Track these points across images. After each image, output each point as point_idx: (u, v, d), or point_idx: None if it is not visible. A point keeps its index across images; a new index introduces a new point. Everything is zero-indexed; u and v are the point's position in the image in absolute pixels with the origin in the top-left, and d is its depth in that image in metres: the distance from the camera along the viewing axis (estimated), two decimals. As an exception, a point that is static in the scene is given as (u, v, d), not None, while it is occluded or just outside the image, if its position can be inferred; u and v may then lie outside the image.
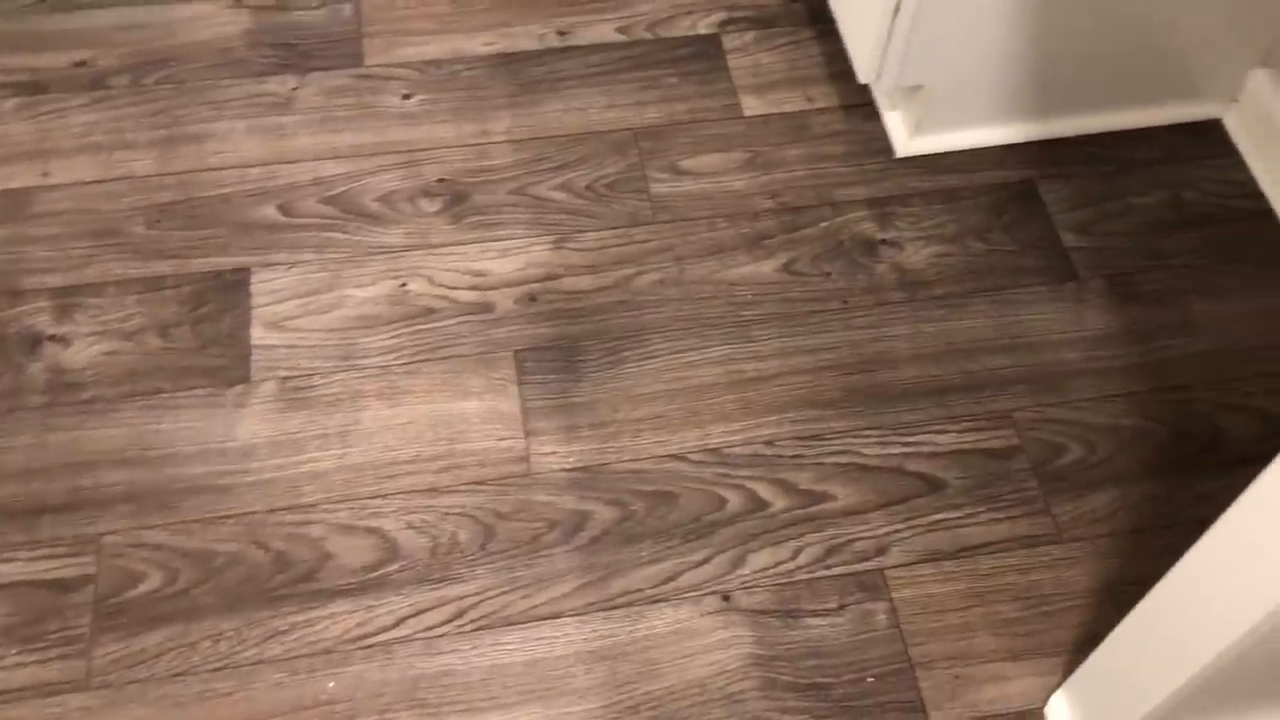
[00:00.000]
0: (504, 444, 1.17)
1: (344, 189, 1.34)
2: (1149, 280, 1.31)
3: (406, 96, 1.43)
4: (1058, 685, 1.05)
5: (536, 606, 1.08)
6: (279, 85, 1.43)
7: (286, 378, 1.20)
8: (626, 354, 1.23)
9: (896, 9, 1.25)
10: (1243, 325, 1.28)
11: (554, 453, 1.17)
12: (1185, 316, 1.28)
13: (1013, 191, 1.37)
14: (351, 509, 1.13)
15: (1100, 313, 1.28)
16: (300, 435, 1.17)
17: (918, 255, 1.32)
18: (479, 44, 1.48)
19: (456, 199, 1.34)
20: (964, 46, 1.29)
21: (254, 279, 1.27)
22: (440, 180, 1.35)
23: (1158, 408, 1.22)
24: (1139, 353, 1.25)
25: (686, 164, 1.39)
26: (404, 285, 1.27)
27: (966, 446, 1.18)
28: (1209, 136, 1.43)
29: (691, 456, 1.17)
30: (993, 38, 1.28)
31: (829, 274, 1.30)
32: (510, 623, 1.07)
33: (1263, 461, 1.18)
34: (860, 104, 1.45)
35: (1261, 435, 1.20)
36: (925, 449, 1.18)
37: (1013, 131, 1.40)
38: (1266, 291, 1.30)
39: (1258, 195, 1.38)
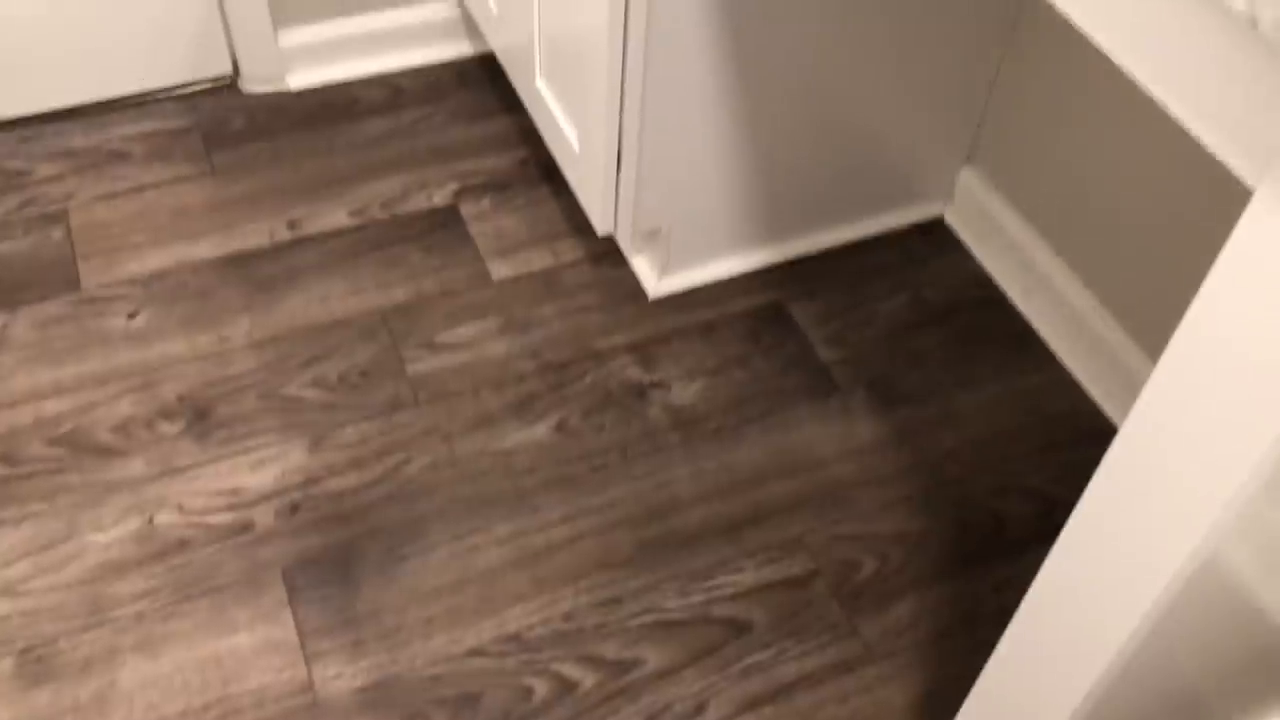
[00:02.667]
0: (284, 675, 1.07)
1: (72, 425, 1.24)
2: (907, 381, 1.35)
3: (132, 315, 1.34)
4: (898, 812, 1.03)
5: None
6: (-14, 324, 1.32)
7: (26, 649, 1.07)
8: (405, 550, 1.16)
9: (619, 162, 1.26)
10: (1001, 409, 1.33)
11: (340, 674, 1.08)
12: (947, 410, 1.32)
13: (765, 316, 1.40)
14: (118, 785, 1.00)
15: (867, 421, 1.30)
16: (49, 713, 1.04)
17: (686, 392, 1.32)
18: (205, 249, 1.42)
19: (199, 415, 1.25)
20: (691, 187, 1.31)
21: (-23, 543, 1.14)
22: (179, 398, 1.27)
23: (938, 505, 1.24)
24: (911, 454, 1.28)
25: (442, 338, 1.35)
26: (150, 520, 1.17)
27: (766, 580, 1.17)
28: (936, 234, 1.50)
29: (490, 648, 1.10)
30: (716, 174, 1.31)
31: (602, 427, 1.28)
32: None
33: (1046, 540, 1.21)
34: (607, 252, 1.45)
35: (1039, 513, 1.24)
36: (727, 590, 1.16)
37: (756, 258, 1.44)
38: (1015, 373, 1.36)
39: (989, 284, 1.45)
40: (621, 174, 1.28)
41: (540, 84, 1.38)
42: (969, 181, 1.46)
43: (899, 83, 1.32)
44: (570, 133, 1.33)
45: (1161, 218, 1.20)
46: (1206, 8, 0.51)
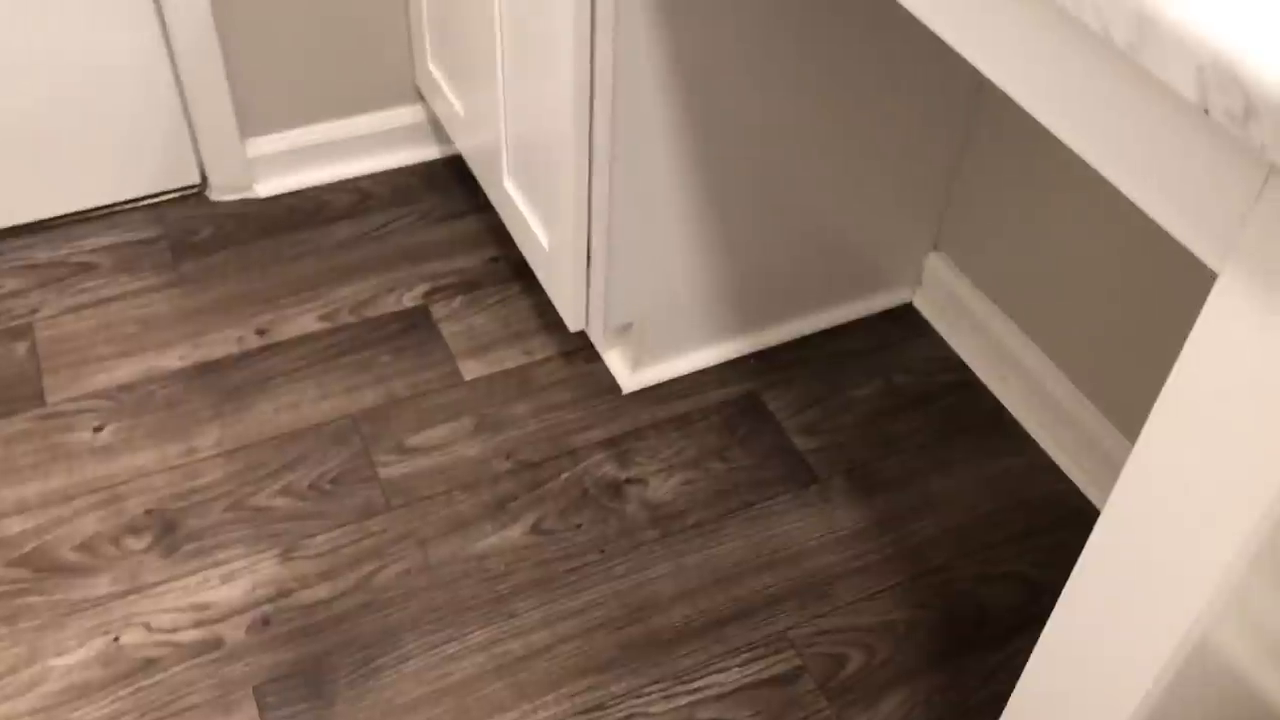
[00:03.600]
0: (255, 799, 1.03)
1: (35, 545, 1.21)
2: (885, 468, 1.34)
3: (98, 429, 1.32)
4: None
5: None
6: (-52, 443, 1.29)
7: (-16, 782, 1.03)
8: (379, 662, 1.13)
9: (588, 259, 1.27)
10: (979, 493, 1.32)
11: (314, 795, 1.04)
12: (926, 496, 1.31)
13: (740, 406, 1.39)
14: None
15: (847, 510, 1.29)
16: None
17: (664, 487, 1.30)
18: (173, 359, 1.40)
19: (167, 529, 1.23)
20: (661, 281, 1.32)
21: (-66, 671, 1.10)
22: (147, 512, 1.24)
23: (923, 594, 1.22)
24: (892, 542, 1.26)
25: (414, 441, 1.34)
26: (116, 639, 1.13)
27: (751, 679, 1.14)
28: (906, 320, 1.51)
29: (469, 761, 1.07)
30: (686, 268, 1.32)
31: (579, 525, 1.26)
32: None
33: (1033, 626, 1.19)
34: (580, 348, 1.45)
35: (1024, 600, 1.22)
36: (711, 691, 1.13)
37: (728, 348, 1.44)
38: (993, 457, 1.35)
39: (960, 367, 1.45)
40: (591, 271, 1.28)
41: (508, 185, 1.39)
42: (936, 266, 1.47)
43: (862, 172, 1.34)
44: (539, 232, 1.34)
45: (1129, 297, 1.21)
46: (1159, 96, 0.51)
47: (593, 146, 1.16)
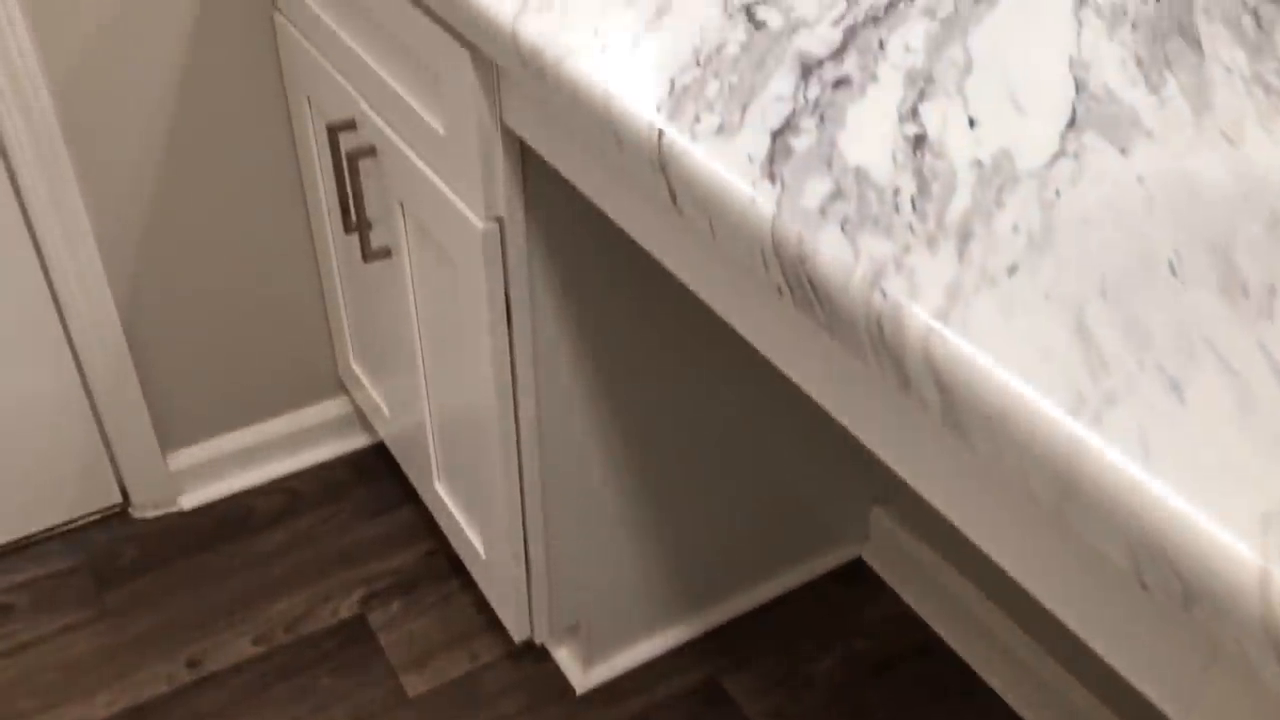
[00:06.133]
0: None
1: None
2: (857, 750, 1.28)
3: (17, 803, 1.23)
4: None
5: None
6: None
7: None
8: None
9: (528, 565, 1.23)
10: (957, 765, 1.26)
11: None
12: (903, 777, 1.25)
13: (701, 696, 1.34)
14: None
15: (825, 803, 1.23)
16: None
17: (629, 798, 1.23)
18: (100, 706, 1.32)
19: None
20: (605, 577, 1.28)
21: None
22: None
23: None
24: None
25: (361, 773, 1.26)
26: None
27: None
28: (858, 577, 1.48)
29: None
30: (629, 560, 1.28)
31: None
32: None
33: None
34: (528, 646, 1.39)
35: None
36: None
37: (681, 631, 1.39)
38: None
39: (920, 624, 1.42)
40: (532, 577, 1.24)
41: (440, 488, 1.36)
42: (880, 520, 1.46)
43: (795, 430, 1.33)
44: (475, 539, 1.30)
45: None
46: (1100, 561, 0.50)
47: (520, 440, 1.13)
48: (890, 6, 0.80)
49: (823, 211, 0.57)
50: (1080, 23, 0.78)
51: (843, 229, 0.56)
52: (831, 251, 0.55)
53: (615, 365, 1.13)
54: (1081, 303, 0.51)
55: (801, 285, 0.56)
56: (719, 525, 1.35)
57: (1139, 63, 0.72)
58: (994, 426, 0.48)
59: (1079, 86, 0.69)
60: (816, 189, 0.59)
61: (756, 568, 1.42)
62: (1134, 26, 0.77)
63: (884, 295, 0.52)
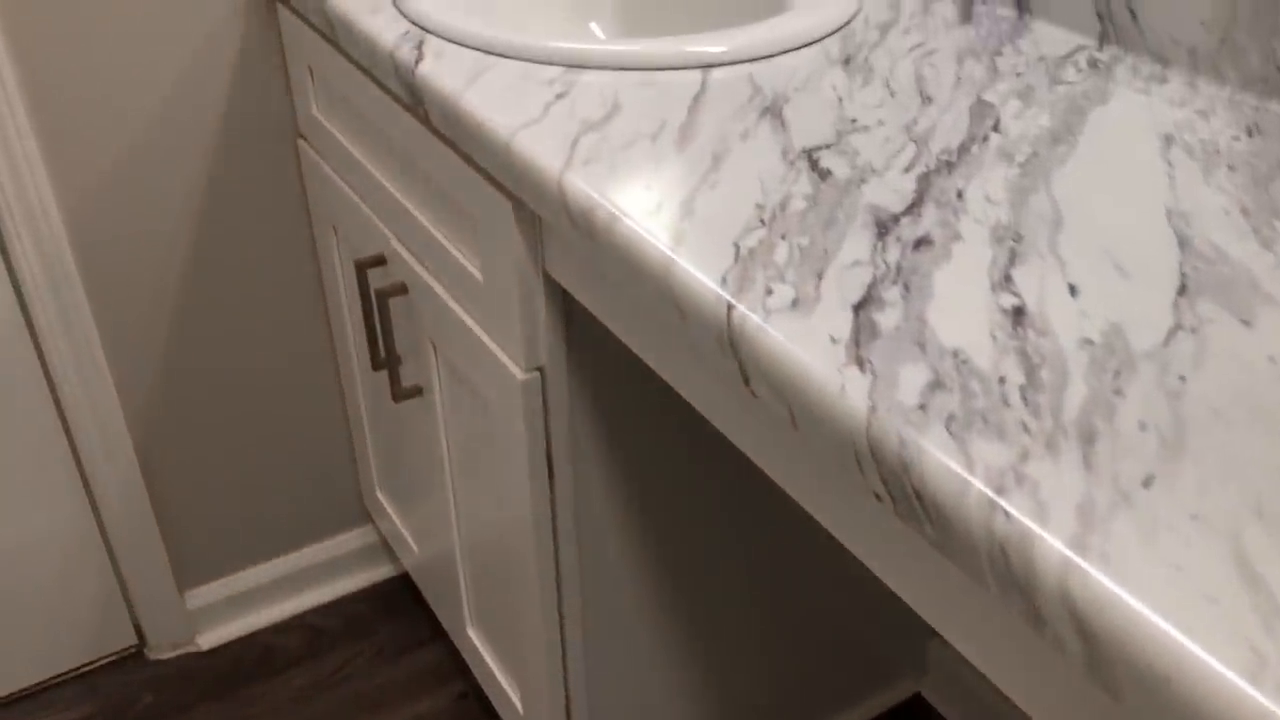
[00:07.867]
0: None
1: None
2: None
3: None
4: None
5: None
6: None
7: None
8: None
9: (567, 707, 1.15)
10: None
11: None
12: None
13: None
14: None
15: None
16: None
17: None
18: None
19: None
20: (651, 728, 1.20)
21: None
22: None
23: None
24: None
25: None
26: None
27: None
28: (918, 714, 1.39)
29: None
30: (676, 709, 1.20)
31: None
32: None
33: None
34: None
35: None
36: None
37: (730, 779, 1.30)
38: None
39: (986, 769, 1.33)
40: (573, 730, 1.16)
41: (473, 634, 1.29)
42: (938, 652, 1.37)
43: (847, 567, 1.25)
44: (511, 691, 1.22)
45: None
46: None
47: (561, 588, 1.06)
48: (963, 149, 0.74)
49: (923, 407, 0.51)
50: (1170, 164, 0.72)
51: (949, 429, 0.50)
52: (940, 459, 0.48)
53: (662, 510, 1.06)
54: (1237, 526, 0.45)
55: (906, 496, 0.50)
56: (770, 669, 1.27)
57: (1244, 212, 0.66)
58: (1153, 688, 0.41)
59: (1182, 243, 0.63)
60: (912, 378, 0.53)
61: (810, 709, 1.33)
62: (1230, 168, 0.71)
63: (1007, 517, 0.46)
